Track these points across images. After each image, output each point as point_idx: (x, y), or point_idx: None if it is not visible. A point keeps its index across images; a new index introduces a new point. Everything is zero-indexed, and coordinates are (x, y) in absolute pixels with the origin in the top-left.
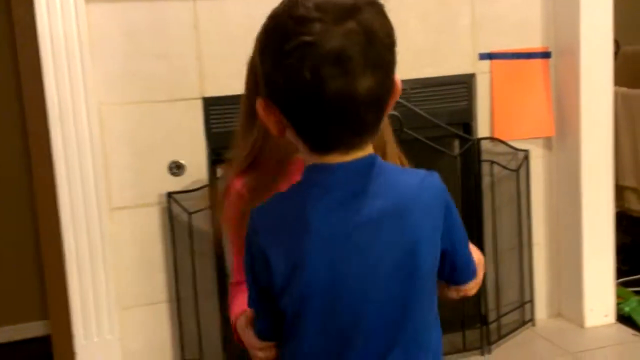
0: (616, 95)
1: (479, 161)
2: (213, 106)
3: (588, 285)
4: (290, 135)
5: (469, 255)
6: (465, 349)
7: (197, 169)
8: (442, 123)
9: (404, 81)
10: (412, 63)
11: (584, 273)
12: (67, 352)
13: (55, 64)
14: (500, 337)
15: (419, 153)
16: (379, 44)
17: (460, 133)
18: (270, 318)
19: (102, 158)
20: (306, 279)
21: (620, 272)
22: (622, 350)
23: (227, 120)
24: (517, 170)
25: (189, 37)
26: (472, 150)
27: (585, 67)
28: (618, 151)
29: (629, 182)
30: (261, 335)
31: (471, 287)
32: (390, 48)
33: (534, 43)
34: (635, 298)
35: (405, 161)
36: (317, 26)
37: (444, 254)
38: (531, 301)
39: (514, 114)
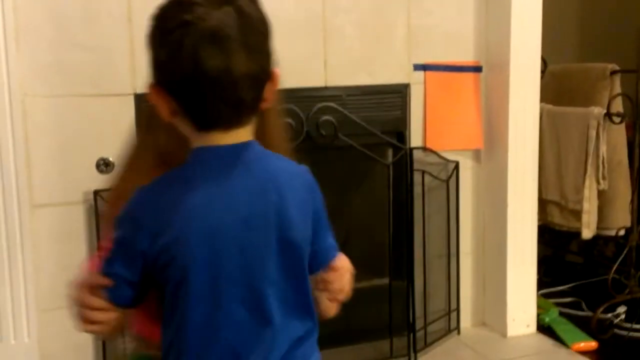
0: (542, 112)
1: (411, 170)
2: (145, 103)
3: (511, 295)
4: (178, 120)
5: (331, 243)
6: (392, 356)
7: None
8: (376, 131)
9: (339, 87)
10: (348, 69)
11: (507, 283)
12: None
13: None
14: (427, 344)
15: (352, 160)
16: (254, 27)
17: (394, 142)
18: (134, 288)
19: (24, 152)
20: (188, 253)
21: (542, 283)
22: None
23: None
24: (447, 181)
25: (122, 30)
26: (404, 159)
27: (514, 83)
28: (542, 166)
29: (552, 196)
30: (117, 301)
31: (345, 275)
32: (265, 35)
33: (467, 57)
34: (555, 309)
35: (288, 150)
36: (197, 9)
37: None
38: (457, 310)
39: (445, 125)
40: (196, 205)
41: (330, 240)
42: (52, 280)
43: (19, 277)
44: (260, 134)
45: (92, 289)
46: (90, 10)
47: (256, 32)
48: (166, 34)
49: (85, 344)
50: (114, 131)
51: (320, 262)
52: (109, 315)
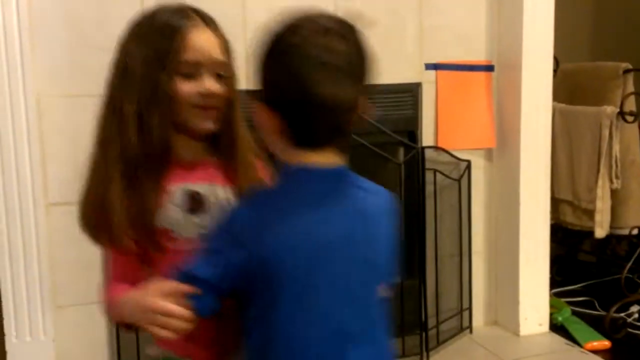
0: (554, 111)
1: (423, 169)
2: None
3: (523, 294)
4: (279, 134)
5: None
6: (404, 354)
7: None
8: (388, 130)
9: None
10: None
11: (520, 282)
12: None
13: None
14: (439, 343)
15: (364, 159)
16: (359, 58)
17: (405, 141)
18: (217, 299)
19: (39, 151)
20: (282, 273)
21: (555, 282)
22: (555, 359)
23: None
24: (459, 180)
25: None
26: (416, 158)
27: (526, 82)
28: (554, 165)
29: (565, 195)
30: (202, 310)
31: None
32: (366, 67)
33: (479, 56)
34: (568, 308)
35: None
36: (309, 36)
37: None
38: (469, 309)
39: (457, 124)
40: (295, 226)
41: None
42: (67, 278)
43: (34, 274)
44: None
45: (176, 297)
46: (103, 12)
47: (360, 63)
48: (280, 57)
49: (100, 341)
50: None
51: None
52: (189, 325)
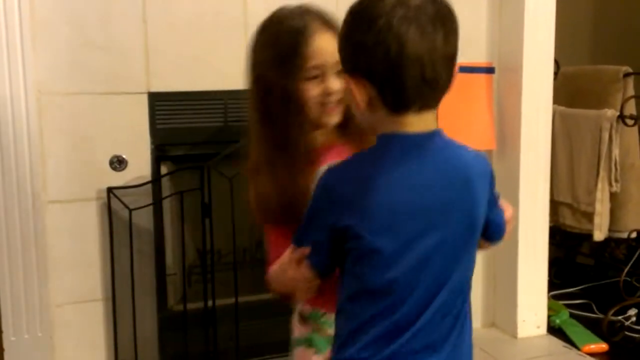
0: (554, 113)
1: None
2: (159, 102)
3: (521, 296)
4: (370, 105)
5: (501, 216)
6: None
7: (140, 165)
8: None
9: None
10: None
11: (518, 285)
12: None
13: None
14: None
15: None
16: (448, 13)
17: None
18: (329, 255)
19: (39, 149)
20: (374, 230)
21: (553, 285)
22: None
23: (172, 116)
24: None
25: (136, 30)
26: None
27: (527, 85)
28: (554, 168)
29: (564, 197)
30: (319, 267)
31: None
32: (455, 22)
33: (479, 58)
34: (566, 311)
35: None
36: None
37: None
38: None
39: (457, 126)
40: (382, 186)
41: (499, 212)
42: (66, 275)
43: (32, 272)
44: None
45: (298, 262)
46: (105, 11)
47: (450, 18)
48: (374, 20)
49: (97, 338)
50: (128, 129)
51: (492, 232)
52: (316, 283)
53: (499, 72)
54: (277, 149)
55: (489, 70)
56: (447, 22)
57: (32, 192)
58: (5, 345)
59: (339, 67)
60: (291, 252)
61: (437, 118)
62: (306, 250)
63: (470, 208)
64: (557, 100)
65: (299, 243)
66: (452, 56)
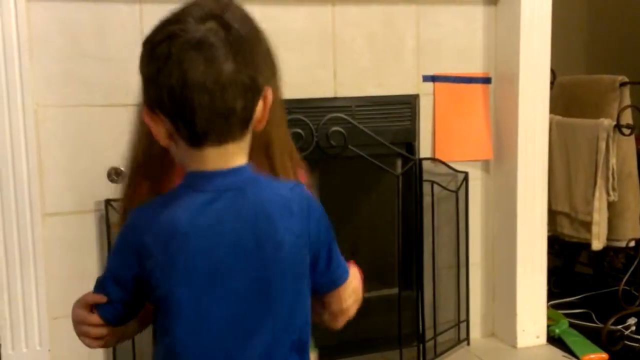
0: (551, 123)
1: (420, 181)
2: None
3: (521, 306)
4: (174, 144)
5: (336, 269)
6: None
7: None
8: (386, 142)
9: (349, 98)
10: (357, 81)
11: (517, 294)
12: None
13: None
14: (436, 355)
15: (361, 170)
16: (242, 40)
17: (403, 152)
18: (127, 306)
19: (36, 161)
20: (172, 278)
21: (552, 294)
22: None
23: None
24: (456, 191)
25: (133, 42)
26: (413, 170)
27: (523, 94)
28: (552, 177)
29: (562, 207)
30: (109, 319)
31: (347, 300)
32: (254, 49)
33: (476, 68)
34: (565, 320)
35: (297, 158)
36: (182, 23)
37: (313, 258)
38: (466, 320)
39: (454, 136)
40: (182, 230)
41: (336, 265)
42: (64, 288)
43: (30, 285)
44: (261, 141)
45: (89, 306)
46: (102, 23)
47: (244, 45)
48: (154, 49)
49: (96, 351)
50: (125, 141)
51: (326, 287)
52: (102, 331)
53: (496, 82)
54: None
55: (486, 80)
56: (241, 49)
57: (30, 205)
58: (4, 359)
59: None
60: (89, 296)
61: (252, 150)
62: (102, 298)
63: (267, 248)
64: (553, 109)
65: (98, 289)
66: (248, 84)
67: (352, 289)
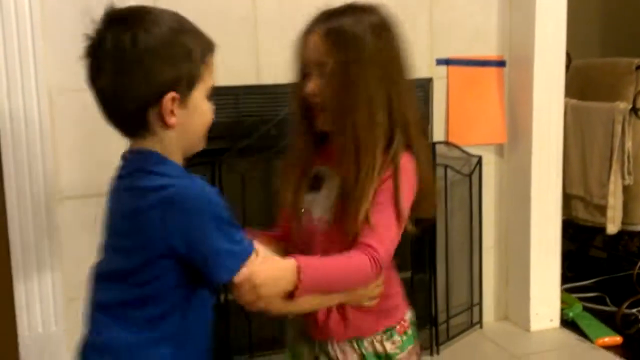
0: (566, 106)
1: (434, 165)
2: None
3: (534, 290)
4: None
5: (214, 255)
6: None
7: None
8: None
9: None
10: None
11: (530, 278)
12: (10, 342)
13: (6, 44)
14: (449, 338)
15: None
16: (133, 51)
17: None
18: None
19: (51, 145)
20: None
21: (566, 278)
22: (566, 355)
23: None
24: (469, 175)
25: None
26: None
27: (538, 78)
28: (566, 161)
29: (576, 190)
30: None
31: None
32: (142, 61)
33: (490, 51)
34: (579, 304)
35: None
36: (97, 29)
37: (185, 255)
38: (480, 304)
39: (468, 120)
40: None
41: (212, 260)
42: (79, 269)
43: (46, 267)
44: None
45: None
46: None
47: (132, 57)
48: None
49: None
50: None
51: (212, 278)
52: None
53: (510, 65)
54: None
55: (500, 63)
56: (125, 61)
57: (45, 189)
58: (20, 339)
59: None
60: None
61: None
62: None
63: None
64: (568, 93)
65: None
66: (117, 98)
67: (247, 288)
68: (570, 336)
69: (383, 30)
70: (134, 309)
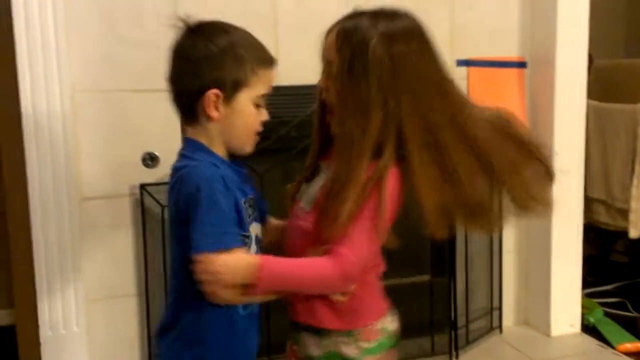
0: (588, 108)
1: None
2: None
3: (555, 294)
4: None
5: (193, 230)
6: (433, 353)
7: (172, 162)
8: None
9: None
10: None
11: (551, 282)
12: (33, 342)
13: (29, 46)
14: (468, 342)
15: None
16: (187, 52)
17: None
18: None
19: (74, 146)
20: None
21: (586, 283)
22: None
23: None
24: None
25: (168, 27)
26: None
27: (560, 79)
28: (588, 163)
29: (598, 194)
30: None
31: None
32: (196, 58)
33: (511, 52)
34: (600, 309)
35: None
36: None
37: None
38: (499, 308)
39: None
40: None
41: (191, 235)
42: (100, 270)
43: (68, 268)
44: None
45: None
46: (138, 7)
47: (189, 57)
48: None
49: (131, 332)
50: (160, 126)
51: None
52: None
53: (532, 66)
54: None
55: (521, 64)
56: (182, 60)
57: (67, 189)
58: (42, 340)
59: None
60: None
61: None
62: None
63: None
64: (590, 94)
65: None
66: (177, 88)
67: (205, 268)
68: (591, 342)
69: (398, 40)
70: (187, 286)
